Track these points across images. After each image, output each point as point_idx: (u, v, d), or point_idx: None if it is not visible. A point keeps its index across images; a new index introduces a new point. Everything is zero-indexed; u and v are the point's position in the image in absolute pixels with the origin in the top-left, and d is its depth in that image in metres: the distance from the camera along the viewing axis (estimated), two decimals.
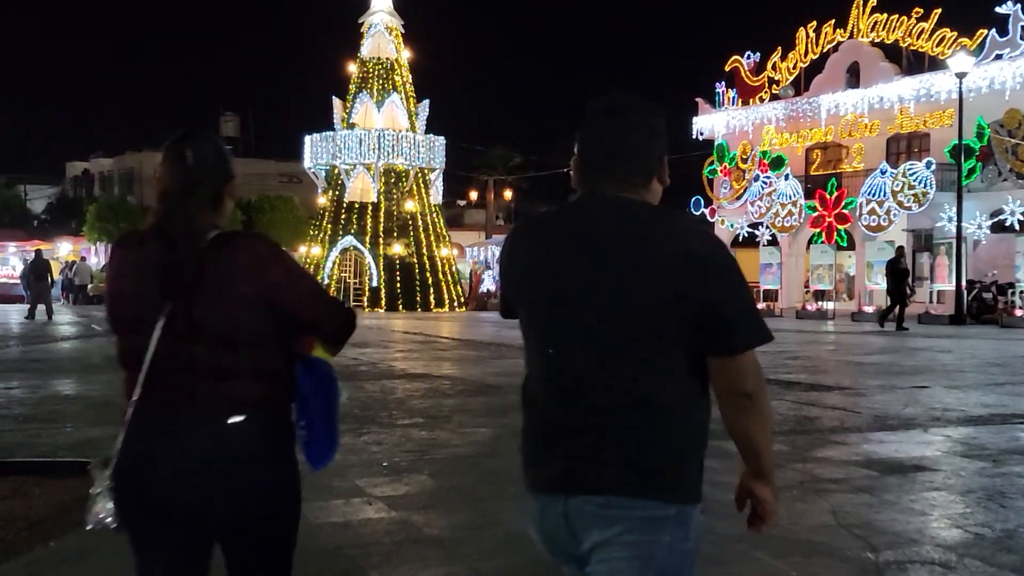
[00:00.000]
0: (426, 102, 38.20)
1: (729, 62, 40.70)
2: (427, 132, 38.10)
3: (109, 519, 2.43)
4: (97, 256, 45.42)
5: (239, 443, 2.42)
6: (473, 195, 62.49)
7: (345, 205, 36.95)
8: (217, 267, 2.43)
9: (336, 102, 37.92)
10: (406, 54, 38.23)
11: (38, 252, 28.85)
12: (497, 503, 5.95)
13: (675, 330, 2.06)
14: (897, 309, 24.28)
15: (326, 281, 35.37)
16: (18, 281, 32.17)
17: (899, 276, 24.55)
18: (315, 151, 37.62)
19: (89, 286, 38.48)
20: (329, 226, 36.81)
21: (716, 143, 41.15)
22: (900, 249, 26.97)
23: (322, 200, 38.71)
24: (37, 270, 26.78)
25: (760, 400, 2.13)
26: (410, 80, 38.30)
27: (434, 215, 38.35)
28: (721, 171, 40.81)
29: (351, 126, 37.22)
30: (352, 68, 38.05)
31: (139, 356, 2.45)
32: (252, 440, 2.44)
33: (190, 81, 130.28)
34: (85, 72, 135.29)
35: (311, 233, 38.66)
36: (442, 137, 38.34)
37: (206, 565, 2.58)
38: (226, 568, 2.57)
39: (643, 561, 2.09)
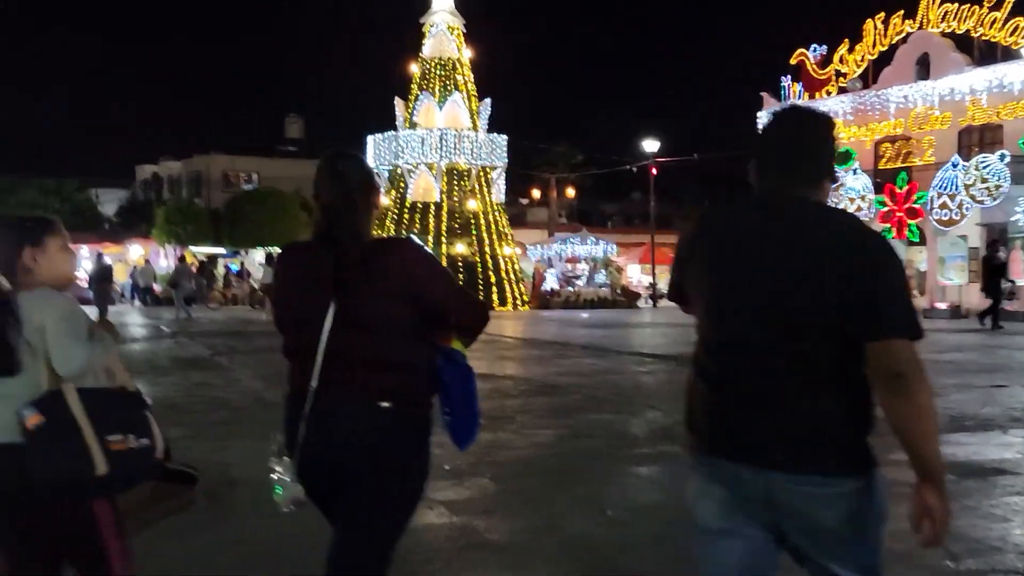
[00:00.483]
0: (487, 101, 38.14)
1: (795, 55, 40.07)
2: (489, 130, 38.07)
3: (300, 496, 2.84)
4: (167, 259, 46.19)
5: (385, 426, 2.78)
6: (535, 193, 62.42)
7: (408, 205, 37.10)
8: (374, 268, 2.80)
9: (398, 102, 38.06)
10: (467, 53, 38.23)
11: (99, 256, 29.82)
12: (560, 507, 5.85)
13: (843, 315, 2.28)
14: (991, 306, 22.91)
15: None
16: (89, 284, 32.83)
17: (995, 272, 23.24)
18: (377, 152, 37.80)
19: (157, 288, 39.12)
20: (392, 226, 36.98)
21: None
22: (995, 243, 25.79)
23: (385, 200, 38.92)
24: (98, 274, 27.93)
25: (913, 384, 2.24)
26: (472, 79, 38.29)
27: (497, 213, 38.31)
28: None
29: (413, 126, 37.34)
30: (414, 68, 38.17)
31: (307, 348, 2.81)
32: (395, 425, 2.80)
33: (253, 84, 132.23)
34: (152, 76, 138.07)
35: (374, 233, 38.85)
36: (504, 135, 38.27)
37: None
38: (341, 530, 2.88)
39: (850, 533, 2.34)
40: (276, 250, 39.70)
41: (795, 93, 40.15)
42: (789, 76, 40.58)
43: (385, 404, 2.78)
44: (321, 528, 4.83)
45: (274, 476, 2.83)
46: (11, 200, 46.37)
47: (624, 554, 5.00)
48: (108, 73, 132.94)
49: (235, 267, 45.95)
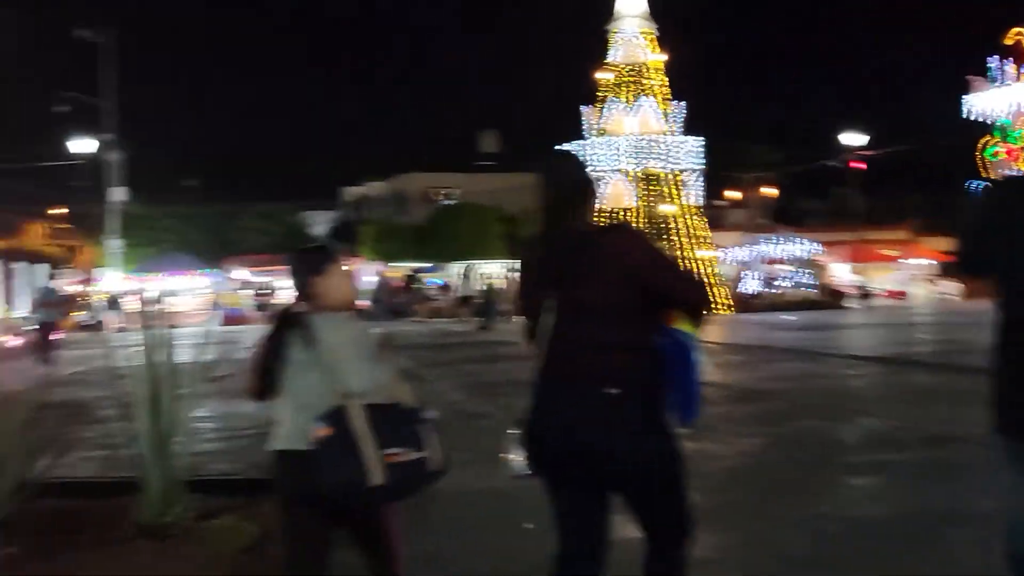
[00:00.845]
0: (682, 104, 37.68)
1: (1010, 35, 37.55)
2: (683, 133, 37.56)
3: (523, 469, 3.04)
4: (372, 276, 47.93)
5: (614, 411, 2.89)
6: (733, 194, 61.13)
7: (602, 212, 37.05)
8: (591, 257, 2.96)
9: (587, 110, 38.13)
10: (659, 56, 37.88)
11: None
12: (769, 521, 5.61)
13: None
14: None
15: None
16: None
17: None
18: None
19: (361, 303, 40.69)
20: None
21: (997, 122, 38.04)
22: None
23: None
24: None
25: None
26: (664, 82, 37.91)
27: (693, 217, 37.76)
28: (1006, 153, 37.69)
29: (603, 133, 37.31)
30: (603, 75, 38.15)
31: (540, 335, 3.02)
32: (626, 409, 2.90)
33: (448, 102, 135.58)
34: (355, 101, 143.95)
35: None
36: (699, 137, 37.68)
37: (604, 508, 3.09)
38: (633, 516, 3.10)
39: None
40: (474, 263, 40.62)
41: (1009, 75, 37.62)
42: (997, 56, 38.04)
43: (613, 391, 2.89)
44: (515, 543, 4.79)
45: (509, 445, 3.07)
46: (233, 225, 49.36)
47: (840, 571, 4.72)
48: (313, 102, 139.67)
49: (438, 281, 47.19)
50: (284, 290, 42.98)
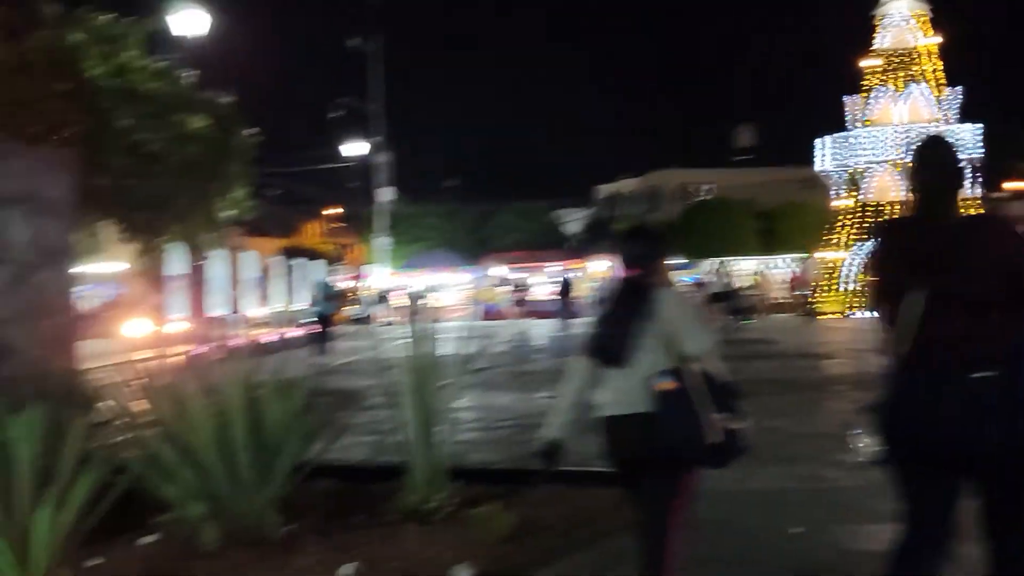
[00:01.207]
0: (958, 89, 35.26)
1: None
2: (961, 121, 35.13)
3: (875, 453, 3.08)
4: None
5: (985, 399, 2.87)
6: (1016, 185, 56.66)
7: (865, 206, 35.27)
8: (967, 244, 2.97)
9: (851, 100, 36.41)
10: (933, 39, 35.63)
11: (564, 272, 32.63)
12: None
13: None
14: None
15: (852, 286, 33.91)
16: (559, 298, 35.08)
17: None
18: (829, 153, 36.42)
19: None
20: (849, 229, 35.37)
21: None
22: None
23: (841, 202, 37.34)
24: (563, 288, 32.07)
25: None
26: (938, 66, 35.62)
27: (972, 208, 35.28)
28: None
29: (868, 123, 35.52)
30: (868, 63, 36.32)
31: (899, 320, 3.00)
32: (996, 397, 2.87)
33: (701, 96, 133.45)
34: (611, 97, 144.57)
35: (826, 237, 37.21)
36: (977, 124, 35.14)
37: (957, 498, 3.05)
38: (985, 505, 3.05)
39: None
40: (728, 260, 39.78)
41: None
42: None
43: (983, 375, 2.88)
44: (784, 547, 4.55)
45: (856, 431, 3.14)
46: (491, 223, 50.79)
47: None
48: (570, 101, 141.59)
49: (692, 278, 46.61)
50: (539, 286, 43.89)
